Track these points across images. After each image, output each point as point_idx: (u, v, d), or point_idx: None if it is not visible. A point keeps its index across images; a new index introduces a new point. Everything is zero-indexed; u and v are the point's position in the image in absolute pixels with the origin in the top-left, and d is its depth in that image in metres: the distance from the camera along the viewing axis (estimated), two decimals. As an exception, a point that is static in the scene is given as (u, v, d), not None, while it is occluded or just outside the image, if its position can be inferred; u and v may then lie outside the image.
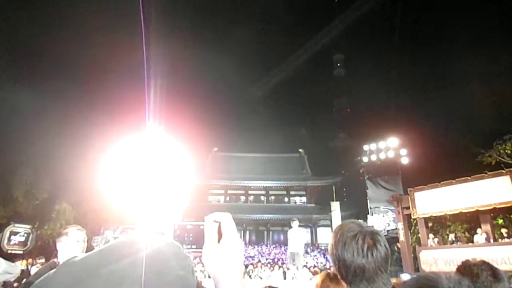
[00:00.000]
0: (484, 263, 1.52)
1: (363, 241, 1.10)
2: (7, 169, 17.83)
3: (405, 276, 12.75)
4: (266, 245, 33.93)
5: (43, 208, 19.33)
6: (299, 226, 10.13)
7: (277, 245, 33.81)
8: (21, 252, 16.33)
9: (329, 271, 2.08)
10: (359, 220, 1.22)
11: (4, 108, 17.93)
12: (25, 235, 16.94)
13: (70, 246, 2.44)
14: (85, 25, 28.55)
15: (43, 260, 11.95)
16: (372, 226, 1.26)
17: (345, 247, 1.11)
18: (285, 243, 35.16)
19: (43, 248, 17.61)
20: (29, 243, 16.98)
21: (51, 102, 20.04)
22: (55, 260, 2.47)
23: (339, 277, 1.17)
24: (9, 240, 16.29)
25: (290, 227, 9.98)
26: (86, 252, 2.61)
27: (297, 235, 9.97)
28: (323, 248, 32.66)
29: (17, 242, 16.54)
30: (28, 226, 17.27)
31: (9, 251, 15.85)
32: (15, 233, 16.60)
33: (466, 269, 1.50)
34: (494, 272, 1.48)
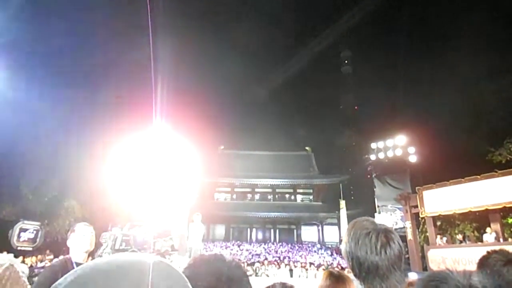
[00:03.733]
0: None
1: (376, 239, 1.09)
2: (17, 167, 18.05)
3: (412, 275, 12.69)
4: (273, 243, 33.92)
5: (52, 206, 19.55)
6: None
7: (283, 243, 33.79)
8: (30, 249, 16.50)
9: (332, 269, 2.07)
10: (372, 218, 1.21)
11: (12, 107, 18.15)
12: (34, 232, 17.12)
13: (77, 241, 2.67)
14: (91, 23, 28.74)
15: (52, 257, 12.06)
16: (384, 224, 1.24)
17: (358, 245, 1.11)
18: (292, 241, 35.22)
19: (52, 245, 17.81)
20: (38, 240, 17.18)
21: (59, 101, 20.23)
22: (68, 256, 2.62)
23: (352, 273, 1.17)
24: (18, 237, 16.48)
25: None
26: (94, 245, 2.67)
27: (199, 230, 9.41)
28: (330, 246, 32.56)
29: (26, 239, 16.72)
30: (37, 223, 17.45)
31: (18, 248, 16.05)
32: (25, 230, 16.78)
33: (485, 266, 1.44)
34: None
